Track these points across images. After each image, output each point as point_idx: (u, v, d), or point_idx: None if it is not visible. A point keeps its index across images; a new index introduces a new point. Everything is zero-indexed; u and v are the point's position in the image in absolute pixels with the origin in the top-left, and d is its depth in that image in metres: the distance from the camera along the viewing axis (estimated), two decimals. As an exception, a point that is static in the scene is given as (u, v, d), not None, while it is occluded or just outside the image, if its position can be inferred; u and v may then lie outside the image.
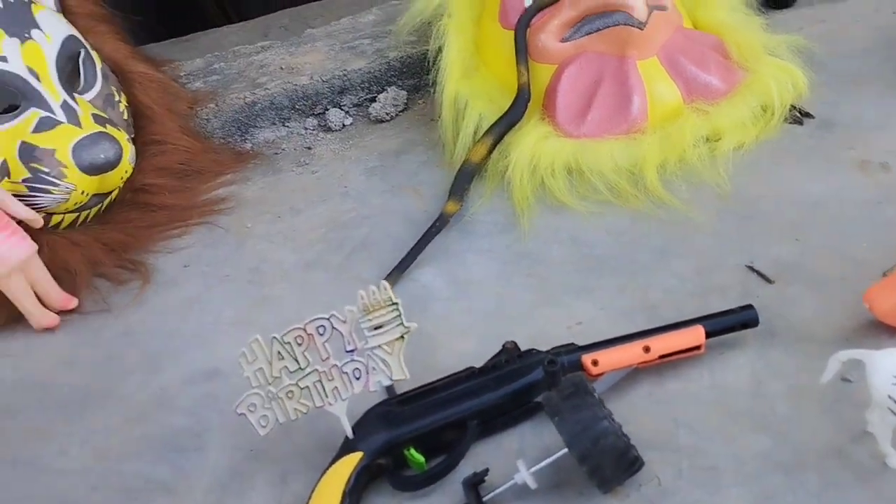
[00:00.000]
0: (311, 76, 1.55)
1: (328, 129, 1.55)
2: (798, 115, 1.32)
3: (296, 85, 1.54)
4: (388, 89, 1.56)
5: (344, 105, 1.57)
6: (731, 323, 0.94)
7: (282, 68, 1.60)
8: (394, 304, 0.88)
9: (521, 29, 1.38)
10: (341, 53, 1.61)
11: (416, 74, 1.59)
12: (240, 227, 1.33)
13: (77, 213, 1.26)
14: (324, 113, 1.56)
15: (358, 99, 1.58)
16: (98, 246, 1.26)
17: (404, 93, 1.57)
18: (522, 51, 1.37)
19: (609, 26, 1.32)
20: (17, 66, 1.19)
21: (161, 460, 0.97)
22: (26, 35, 1.22)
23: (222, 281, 1.23)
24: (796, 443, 0.85)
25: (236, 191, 1.42)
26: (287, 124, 1.56)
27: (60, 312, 1.19)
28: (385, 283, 0.87)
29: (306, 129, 1.55)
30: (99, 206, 1.29)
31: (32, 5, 1.27)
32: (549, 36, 1.36)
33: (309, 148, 1.51)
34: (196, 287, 1.23)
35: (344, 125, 1.55)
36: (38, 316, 1.17)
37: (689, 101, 1.31)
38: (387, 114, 1.54)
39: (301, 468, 0.93)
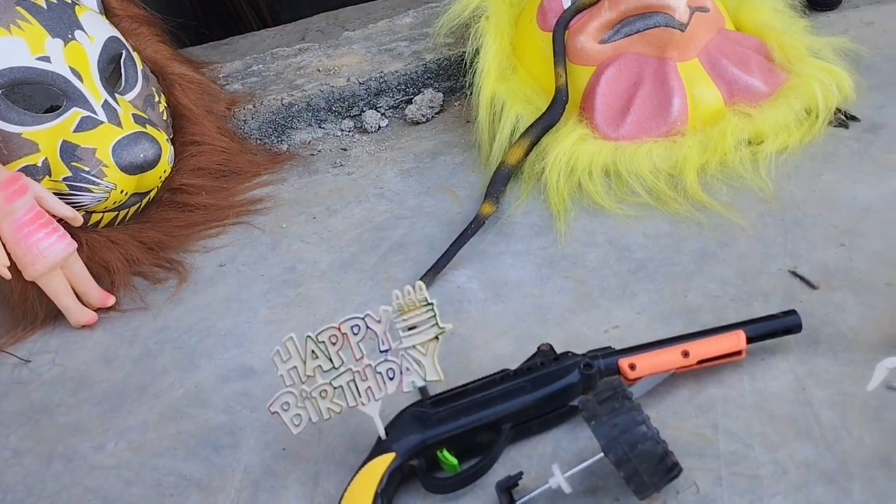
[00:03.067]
0: (347, 78, 1.55)
1: (364, 131, 1.55)
2: (843, 118, 1.29)
3: (332, 87, 1.54)
4: (424, 91, 1.56)
5: (380, 107, 1.57)
6: (774, 328, 0.92)
7: (319, 70, 1.60)
8: (429, 304, 0.87)
9: (560, 31, 1.37)
10: (378, 56, 1.61)
11: (452, 76, 1.58)
12: (276, 228, 1.34)
13: (116, 212, 1.27)
14: (360, 114, 1.56)
15: (394, 101, 1.58)
16: (136, 245, 1.27)
17: (440, 95, 1.56)
18: (560, 52, 1.36)
19: (649, 28, 1.30)
20: (60, 66, 1.21)
21: (195, 457, 0.97)
22: (70, 36, 1.24)
23: (258, 280, 1.23)
24: (841, 451, 0.82)
25: (273, 191, 1.43)
26: (323, 126, 1.56)
27: (99, 310, 1.21)
28: (420, 284, 0.87)
29: (342, 130, 1.56)
30: (137, 205, 1.30)
31: (76, 7, 1.29)
32: (588, 38, 1.35)
33: (345, 149, 1.52)
34: (232, 286, 1.23)
35: (380, 127, 1.55)
36: (77, 313, 1.18)
37: (730, 103, 1.29)
38: (423, 115, 1.54)
39: (333, 468, 0.92)
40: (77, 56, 1.24)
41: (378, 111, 1.56)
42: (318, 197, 1.40)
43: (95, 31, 1.29)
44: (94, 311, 1.20)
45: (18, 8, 1.21)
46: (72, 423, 1.05)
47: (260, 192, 1.42)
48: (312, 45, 1.71)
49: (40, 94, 1.42)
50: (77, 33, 1.25)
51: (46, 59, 1.20)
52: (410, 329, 0.87)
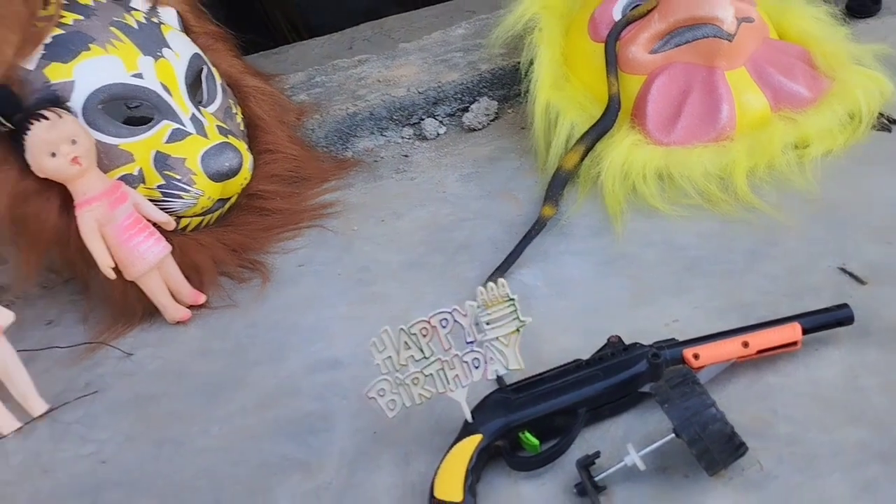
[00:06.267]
0: (407, 88, 1.65)
1: (423, 138, 1.64)
2: (886, 122, 1.36)
3: (393, 97, 1.64)
4: (480, 100, 1.65)
5: (438, 115, 1.66)
6: (827, 320, 0.99)
7: (379, 81, 1.70)
8: (510, 299, 0.95)
9: (611, 41, 1.45)
10: (434, 66, 1.70)
11: (505, 85, 1.67)
12: (347, 230, 1.43)
13: (202, 217, 1.37)
14: (419, 122, 1.65)
15: (451, 109, 1.67)
16: (221, 247, 1.37)
17: (495, 103, 1.65)
18: (613, 62, 1.44)
19: (698, 38, 1.38)
20: (151, 82, 1.31)
21: (294, 440, 1.06)
22: (159, 53, 1.34)
23: (334, 279, 1.33)
24: (893, 434, 0.90)
25: (341, 196, 1.52)
26: (385, 133, 1.66)
27: (191, 307, 1.31)
28: (502, 281, 0.95)
29: (403, 137, 1.65)
30: (220, 210, 1.40)
31: (162, 26, 1.39)
32: (639, 48, 1.43)
33: (406, 156, 1.61)
34: (311, 285, 1.33)
35: (438, 134, 1.64)
36: (173, 310, 1.28)
37: (776, 109, 1.36)
38: (479, 123, 1.63)
39: (421, 450, 1.01)
40: (166, 72, 1.34)
41: (436, 119, 1.65)
42: (384, 201, 1.49)
43: (180, 48, 1.39)
44: (187, 308, 1.30)
45: (113, 28, 1.31)
46: (177, 410, 1.14)
47: (330, 197, 1.52)
48: (371, 56, 1.81)
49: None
50: (165, 51, 1.35)
51: (140, 75, 1.30)
52: (494, 322, 0.96)
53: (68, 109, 1.21)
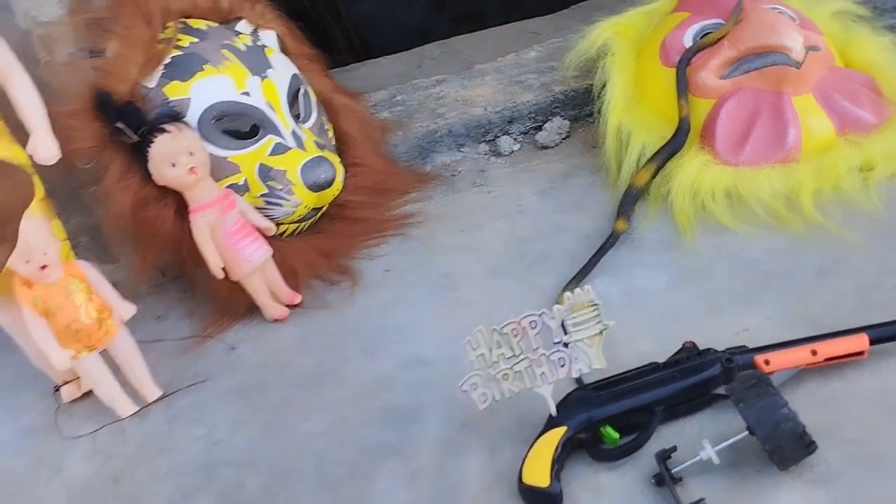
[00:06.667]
0: (484, 107, 1.75)
1: (499, 154, 1.74)
2: (948, 147, 1.41)
3: (471, 115, 1.74)
4: (553, 119, 1.74)
5: (512, 133, 1.76)
6: (894, 332, 1.06)
7: (457, 100, 1.80)
8: (595, 304, 1.04)
9: (682, 67, 1.53)
10: (510, 87, 1.80)
11: (577, 106, 1.76)
12: (429, 239, 1.53)
13: (298, 224, 1.49)
14: (495, 140, 1.75)
15: (525, 127, 1.76)
16: (314, 252, 1.48)
17: (567, 122, 1.74)
18: (683, 86, 1.52)
19: (767, 66, 1.45)
20: (258, 100, 1.43)
21: (388, 428, 1.16)
22: (264, 74, 1.46)
23: (419, 284, 1.43)
24: (956, 439, 0.96)
25: (422, 207, 1.62)
26: (462, 149, 1.76)
27: (288, 306, 1.42)
28: (588, 287, 1.04)
29: (479, 154, 1.75)
30: (313, 218, 1.51)
31: (265, 49, 1.52)
32: (709, 73, 1.51)
33: (483, 170, 1.71)
34: (398, 289, 1.43)
35: (513, 151, 1.74)
36: (272, 309, 1.40)
37: (842, 133, 1.43)
38: (552, 141, 1.72)
39: (507, 440, 1.10)
40: (270, 91, 1.45)
41: (511, 136, 1.75)
42: (463, 213, 1.59)
43: (282, 69, 1.51)
44: (285, 307, 1.41)
45: (224, 51, 1.44)
46: (280, 399, 1.25)
47: (411, 208, 1.62)
48: (448, 77, 1.91)
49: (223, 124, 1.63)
50: (269, 71, 1.47)
51: (248, 93, 1.42)
52: (579, 325, 1.05)
53: (186, 124, 1.33)
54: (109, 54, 1.33)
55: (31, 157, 1.25)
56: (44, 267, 1.18)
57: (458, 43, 2.31)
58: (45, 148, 1.23)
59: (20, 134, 1.26)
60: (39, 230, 1.18)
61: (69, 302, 1.21)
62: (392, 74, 2.14)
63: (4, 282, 1.25)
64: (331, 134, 1.59)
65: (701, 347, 1.10)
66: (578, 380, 1.11)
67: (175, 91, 1.37)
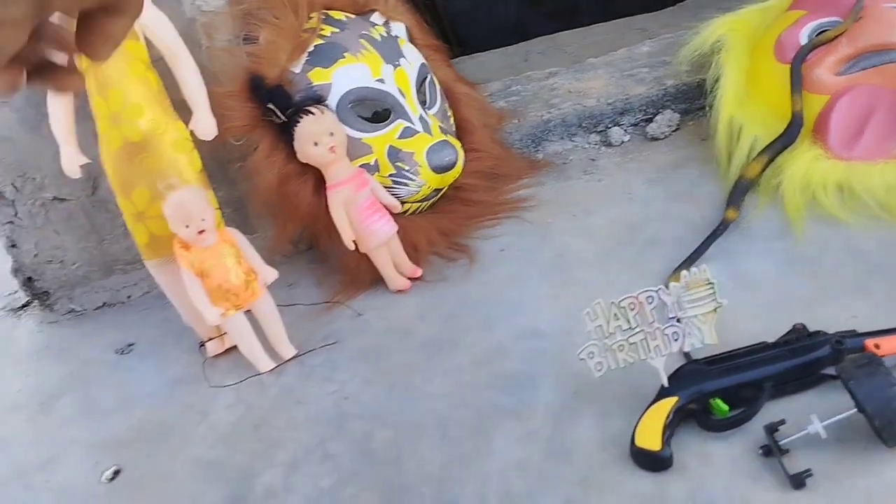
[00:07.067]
0: (597, 99, 1.82)
1: (609, 144, 1.80)
2: None
3: (584, 106, 1.81)
4: (664, 112, 1.80)
5: (623, 124, 1.82)
6: None
7: (570, 91, 1.88)
8: (710, 283, 1.11)
9: (798, 63, 1.57)
10: (622, 80, 1.86)
11: (688, 100, 1.81)
12: (542, 222, 1.62)
13: (420, 204, 1.59)
14: (605, 130, 1.82)
15: (635, 119, 1.82)
16: (434, 230, 1.59)
17: (677, 115, 1.79)
18: (798, 82, 1.55)
19: (885, 63, 1.48)
20: (391, 86, 1.54)
21: (505, 393, 1.25)
22: (397, 63, 1.57)
23: (533, 263, 1.51)
24: None
25: (534, 192, 1.71)
26: (573, 139, 1.83)
27: (410, 279, 1.53)
28: (704, 266, 1.11)
29: (589, 143, 1.82)
30: (434, 198, 1.62)
31: (398, 39, 1.63)
32: (825, 70, 1.54)
33: (593, 159, 1.78)
34: (512, 267, 1.52)
35: (623, 142, 1.80)
36: (396, 280, 1.51)
37: (959, 130, 1.44)
38: (662, 133, 1.77)
39: (617, 408, 1.17)
40: (401, 79, 1.56)
41: (621, 128, 1.81)
42: (574, 199, 1.66)
43: (412, 58, 1.61)
44: (407, 279, 1.52)
45: (362, 40, 1.55)
46: (404, 362, 1.36)
47: (524, 193, 1.70)
48: (561, 69, 1.98)
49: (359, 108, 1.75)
50: (401, 60, 1.58)
51: (382, 80, 1.54)
52: (694, 302, 1.11)
53: (327, 107, 1.45)
54: (262, 42, 1.46)
55: (191, 132, 1.40)
56: (201, 232, 1.32)
57: (565, 38, 2.38)
58: (206, 125, 1.37)
59: (182, 111, 1.41)
60: (199, 198, 1.32)
61: (221, 264, 1.35)
62: (498, 67, 2.23)
63: (163, 244, 1.40)
64: (452, 120, 1.70)
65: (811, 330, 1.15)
66: (687, 355, 1.18)
67: (318, 77, 1.49)
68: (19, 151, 1.55)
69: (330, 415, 1.30)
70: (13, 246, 1.65)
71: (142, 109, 1.34)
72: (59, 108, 1.36)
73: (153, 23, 1.35)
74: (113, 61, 1.30)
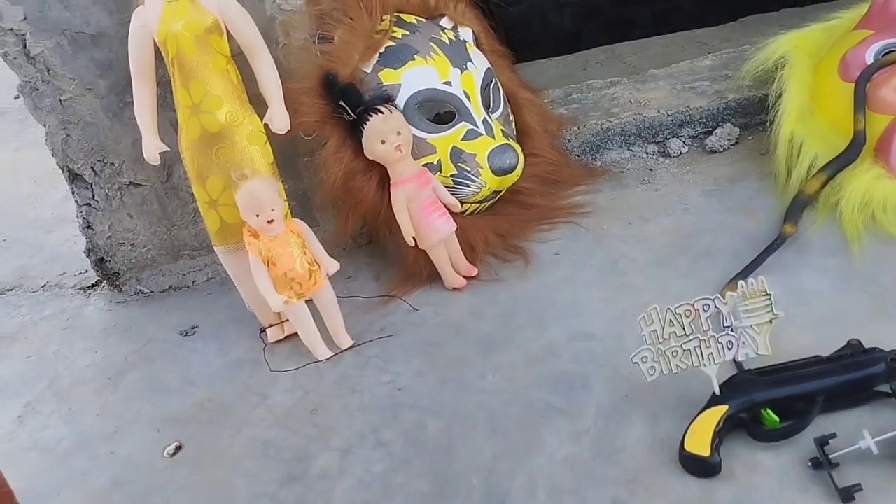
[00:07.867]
0: (658, 110, 1.83)
1: (667, 155, 1.82)
2: None
3: (644, 116, 1.83)
4: (723, 125, 1.81)
5: (682, 136, 1.84)
6: None
7: (630, 101, 1.90)
8: (767, 294, 1.12)
9: (862, 82, 1.57)
10: (683, 92, 1.88)
11: (748, 114, 1.82)
12: (597, 228, 1.64)
13: (479, 204, 1.63)
14: (664, 141, 1.84)
15: (695, 131, 1.83)
16: (491, 231, 1.62)
17: (737, 129, 1.80)
18: (862, 101, 1.55)
19: (952, 85, 1.47)
20: (457, 89, 1.58)
21: (556, 392, 1.28)
22: (464, 67, 1.61)
23: (587, 268, 1.54)
24: None
25: (591, 199, 1.73)
26: (631, 148, 1.85)
27: (466, 277, 1.56)
28: (762, 277, 1.12)
29: (647, 153, 1.84)
30: (492, 200, 1.65)
31: (466, 44, 1.67)
32: (890, 90, 1.54)
33: (650, 169, 1.79)
34: (567, 271, 1.54)
35: (681, 153, 1.81)
36: (452, 277, 1.55)
37: None
38: (720, 146, 1.78)
39: (668, 413, 1.19)
40: (468, 82, 1.60)
41: (680, 139, 1.83)
42: (630, 206, 1.69)
43: (479, 63, 1.65)
44: (462, 277, 1.56)
45: (432, 44, 1.60)
46: (457, 357, 1.40)
47: (581, 199, 1.73)
48: (622, 79, 2.00)
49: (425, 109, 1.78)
50: (468, 64, 1.62)
51: (449, 83, 1.58)
52: (749, 312, 1.13)
53: (396, 106, 1.50)
54: (336, 41, 1.52)
55: (265, 125, 1.46)
56: (270, 221, 1.38)
57: (624, 48, 2.40)
58: (280, 119, 1.43)
59: (257, 105, 1.47)
60: (270, 188, 1.38)
61: (287, 253, 1.40)
62: (557, 76, 2.25)
63: (233, 232, 1.46)
64: (514, 125, 1.73)
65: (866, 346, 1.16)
66: (738, 364, 1.20)
67: (388, 77, 1.54)
68: (101, 137, 1.62)
69: (384, 404, 1.34)
70: (88, 227, 1.73)
71: (221, 101, 1.40)
72: (143, 97, 1.43)
73: (236, 18, 1.41)
74: (197, 54, 1.37)
